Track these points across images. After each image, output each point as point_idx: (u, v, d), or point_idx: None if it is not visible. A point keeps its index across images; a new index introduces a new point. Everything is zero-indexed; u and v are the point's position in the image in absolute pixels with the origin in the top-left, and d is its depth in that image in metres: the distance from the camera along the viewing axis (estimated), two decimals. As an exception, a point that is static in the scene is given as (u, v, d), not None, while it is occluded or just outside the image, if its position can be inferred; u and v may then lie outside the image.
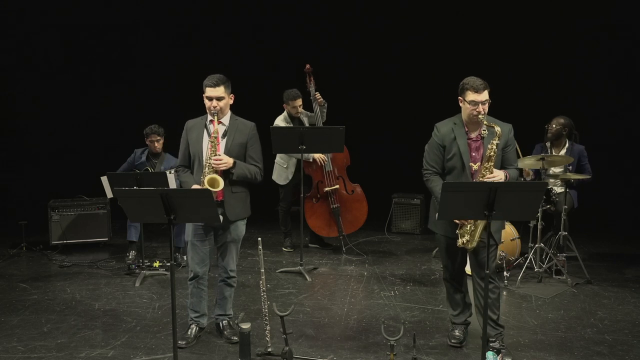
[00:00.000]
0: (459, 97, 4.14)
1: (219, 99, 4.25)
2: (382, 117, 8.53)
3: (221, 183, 4.17)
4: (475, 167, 4.11)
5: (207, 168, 4.21)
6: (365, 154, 7.95)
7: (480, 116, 4.02)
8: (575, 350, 4.35)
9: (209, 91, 4.26)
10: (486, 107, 4.06)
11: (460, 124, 4.17)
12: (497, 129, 4.00)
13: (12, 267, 6.35)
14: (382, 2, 8.40)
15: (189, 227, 4.42)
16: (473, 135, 4.16)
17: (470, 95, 4.04)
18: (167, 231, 3.81)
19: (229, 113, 4.40)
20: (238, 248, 4.51)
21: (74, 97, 8.65)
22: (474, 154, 4.14)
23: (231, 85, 4.36)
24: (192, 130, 4.40)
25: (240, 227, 4.45)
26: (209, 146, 4.23)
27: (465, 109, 4.11)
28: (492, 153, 4.03)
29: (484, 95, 4.04)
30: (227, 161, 4.22)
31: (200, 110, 4.40)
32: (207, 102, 4.28)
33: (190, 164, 4.41)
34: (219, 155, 4.22)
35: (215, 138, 4.23)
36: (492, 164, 4.04)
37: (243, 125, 4.41)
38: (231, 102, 4.38)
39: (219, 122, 4.32)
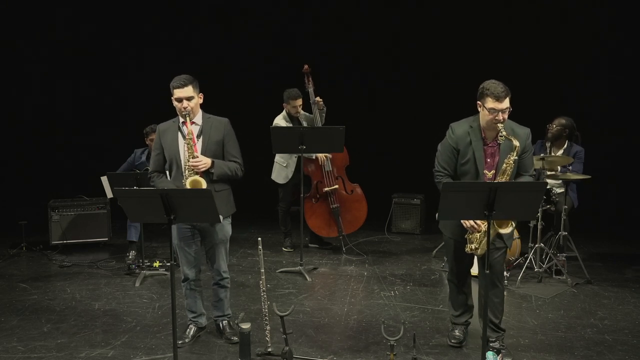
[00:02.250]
0: (478, 102, 3.97)
1: (189, 98, 4.20)
2: (382, 117, 8.53)
3: (203, 184, 4.14)
4: (489, 175, 4.01)
5: (187, 171, 4.17)
6: (365, 154, 7.95)
7: (499, 125, 3.87)
8: (575, 350, 4.35)
9: (178, 92, 4.19)
10: (506, 115, 3.90)
11: (477, 128, 4.02)
12: (516, 143, 3.87)
13: (12, 267, 6.35)
14: (382, 1, 8.40)
15: (174, 230, 4.35)
16: (489, 140, 4.03)
17: (491, 103, 3.87)
18: (167, 231, 3.82)
19: (200, 112, 4.34)
20: (227, 248, 4.48)
21: (74, 97, 8.66)
22: (488, 160, 4.04)
23: (199, 84, 4.30)
24: (165, 134, 4.32)
25: (226, 227, 4.41)
26: (186, 148, 4.18)
27: (484, 115, 3.94)
28: (508, 168, 3.94)
29: (505, 103, 3.86)
30: (206, 162, 4.18)
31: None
32: (176, 104, 4.22)
33: (165, 169, 4.36)
34: (197, 156, 4.17)
35: (191, 139, 4.17)
36: (508, 177, 3.95)
37: (217, 122, 4.35)
38: (201, 101, 4.32)
39: (192, 123, 4.26)
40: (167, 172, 4.42)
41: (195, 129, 4.28)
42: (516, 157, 3.92)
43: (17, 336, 4.58)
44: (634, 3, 7.70)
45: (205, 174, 4.22)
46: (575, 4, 7.91)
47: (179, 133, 4.27)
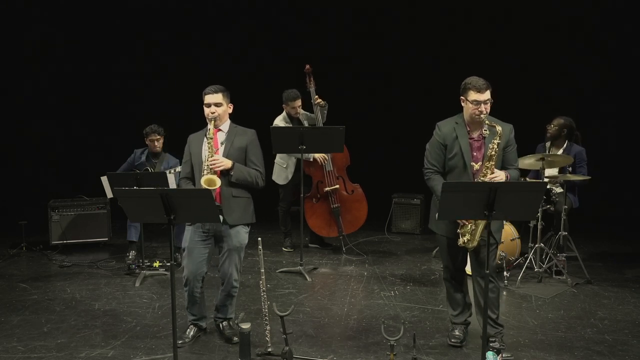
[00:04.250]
0: (461, 97, 4.14)
1: (217, 105, 4.32)
2: (382, 116, 8.53)
3: (218, 182, 4.18)
4: (476, 166, 4.12)
5: (205, 170, 4.22)
6: (366, 154, 7.95)
7: (482, 116, 4.02)
8: (575, 350, 4.35)
9: (208, 98, 4.34)
10: (488, 106, 4.06)
11: (462, 123, 4.17)
12: (499, 128, 4.01)
13: (12, 267, 6.35)
14: (382, 1, 8.40)
15: (187, 234, 4.39)
16: (475, 134, 4.16)
17: (473, 95, 4.04)
18: (167, 231, 3.82)
19: (228, 121, 4.45)
20: (241, 256, 4.46)
21: (73, 96, 8.65)
22: (475, 154, 4.14)
23: (230, 95, 4.42)
24: (193, 142, 4.43)
25: (242, 234, 4.40)
26: (206, 147, 4.26)
27: (467, 108, 4.11)
28: (493, 152, 4.04)
29: (486, 95, 4.04)
30: (225, 162, 4.24)
31: (201, 114, 4.41)
32: (205, 110, 4.35)
33: (193, 175, 4.42)
34: (216, 156, 4.24)
35: (212, 139, 4.25)
36: (494, 163, 4.05)
37: (242, 131, 4.45)
38: (230, 111, 4.44)
39: (218, 130, 4.37)
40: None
41: (220, 136, 4.38)
42: (500, 141, 4.03)
43: (17, 336, 4.58)
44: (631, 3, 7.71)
45: (225, 175, 4.26)
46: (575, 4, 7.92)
47: (205, 139, 4.33)
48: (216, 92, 4.34)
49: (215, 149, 4.29)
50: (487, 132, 4.05)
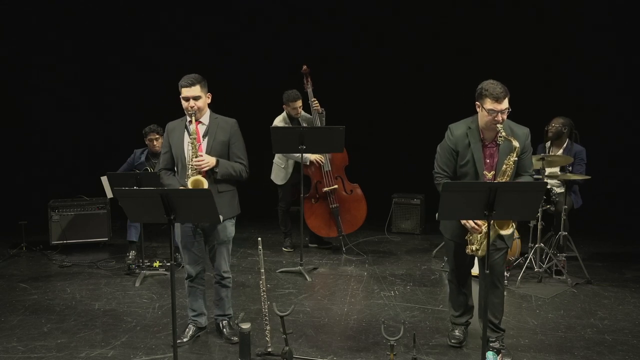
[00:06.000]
0: (476, 102, 3.93)
1: (196, 98, 4.20)
2: (382, 116, 8.53)
3: (205, 184, 4.14)
4: (489, 176, 3.98)
5: (190, 170, 4.17)
6: (366, 154, 7.95)
7: (498, 126, 3.83)
8: (575, 350, 4.35)
9: (185, 91, 4.21)
10: (505, 115, 3.86)
11: (475, 129, 3.99)
12: (515, 144, 3.84)
13: (12, 267, 6.35)
14: (381, 1, 8.40)
15: (178, 229, 4.38)
16: (488, 141, 4.00)
17: (489, 104, 3.82)
18: (167, 231, 3.82)
19: (208, 112, 4.35)
20: (229, 249, 4.47)
21: (73, 96, 8.65)
22: (487, 161, 4.01)
23: (207, 84, 4.30)
24: (173, 132, 4.34)
25: (229, 228, 4.40)
26: (190, 147, 4.18)
27: (483, 116, 3.90)
28: (508, 169, 3.91)
29: (504, 104, 3.82)
30: (210, 161, 4.19)
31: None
32: (184, 103, 4.23)
33: (174, 166, 4.38)
34: (201, 155, 4.18)
35: (195, 139, 4.17)
36: (508, 178, 3.92)
37: (224, 123, 4.35)
38: (209, 101, 4.33)
39: (199, 122, 4.29)
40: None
41: (201, 129, 4.30)
42: (516, 158, 3.91)
43: (17, 336, 4.58)
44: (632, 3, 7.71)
45: (209, 173, 4.22)
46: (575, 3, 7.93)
47: (186, 131, 4.26)
48: (193, 84, 4.19)
49: (198, 144, 4.20)
50: (502, 139, 3.86)
